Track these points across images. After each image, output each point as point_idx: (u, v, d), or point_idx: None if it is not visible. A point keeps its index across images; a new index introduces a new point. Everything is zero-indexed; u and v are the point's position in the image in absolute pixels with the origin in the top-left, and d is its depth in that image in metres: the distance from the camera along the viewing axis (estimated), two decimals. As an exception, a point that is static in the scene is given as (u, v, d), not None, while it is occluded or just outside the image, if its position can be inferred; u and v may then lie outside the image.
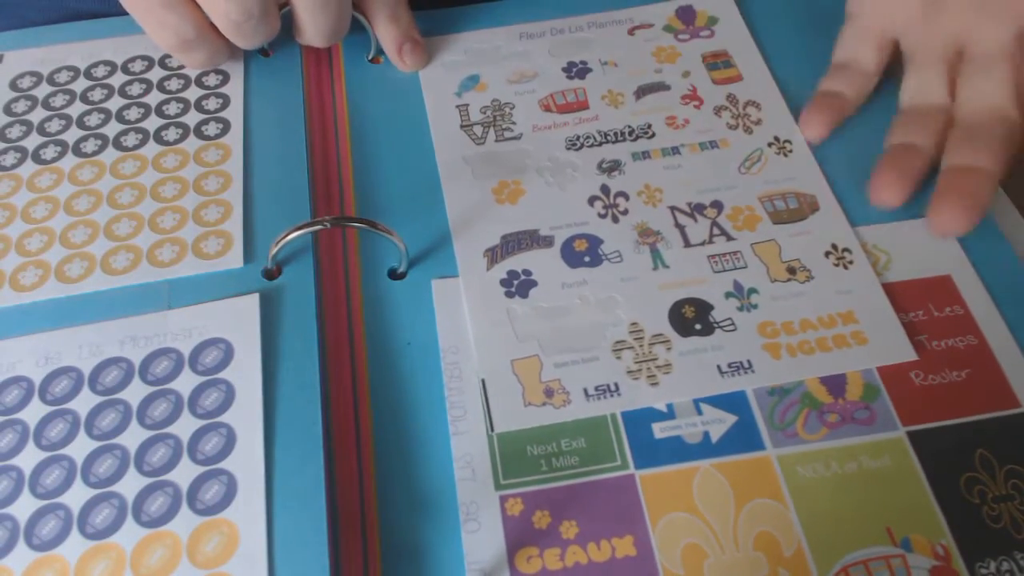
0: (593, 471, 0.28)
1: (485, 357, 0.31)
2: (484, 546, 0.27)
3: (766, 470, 0.28)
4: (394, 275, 0.33)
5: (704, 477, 0.28)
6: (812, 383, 0.30)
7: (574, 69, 0.40)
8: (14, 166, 0.36)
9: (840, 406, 0.30)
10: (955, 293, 0.32)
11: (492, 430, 0.29)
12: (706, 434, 0.29)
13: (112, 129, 0.38)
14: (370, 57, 0.41)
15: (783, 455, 0.29)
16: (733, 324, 0.31)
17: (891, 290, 0.32)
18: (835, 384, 0.30)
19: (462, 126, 0.38)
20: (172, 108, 0.38)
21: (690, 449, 0.29)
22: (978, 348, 0.31)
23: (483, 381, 0.30)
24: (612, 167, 0.36)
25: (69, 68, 0.40)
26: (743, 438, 0.29)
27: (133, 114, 0.38)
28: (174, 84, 0.40)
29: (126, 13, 0.36)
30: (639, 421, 0.29)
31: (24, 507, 0.27)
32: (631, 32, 0.41)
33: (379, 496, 0.28)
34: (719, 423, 0.29)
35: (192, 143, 0.37)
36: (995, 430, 0.29)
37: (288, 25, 0.38)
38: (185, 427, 0.29)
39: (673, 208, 0.35)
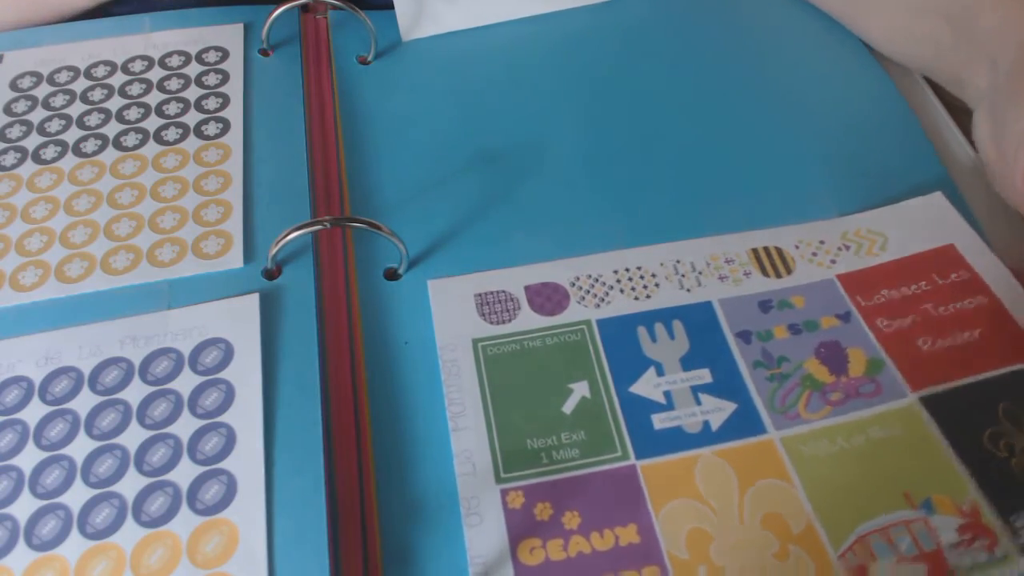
0: (594, 462, 0.28)
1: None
2: (486, 540, 0.26)
3: (769, 453, 0.27)
4: (390, 275, 0.32)
5: (706, 464, 0.27)
6: (812, 364, 0.29)
7: None
8: (14, 166, 0.35)
9: (843, 384, 0.29)
10: (960, 259, 0.31)
11: None
12: (706, 423, 0.28)
13: (112, 129, 0.37)
14: (369, 58, 0.41)
15: (786, 437, 0.28)
16: None
17: (890, 267, 0.31)
18: (835, 362, 0.29)
19: None
20: (172, 108, 0.38)
21: (690, 438, 0.28)
22: (989, 306, 0.30)
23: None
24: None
25: (69, 68, 0.39)
26: (744, 424, 0.28)
27: (133, 114, 0.37)
28: (174, 84, 0.39)
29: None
30: (638, 412, 0.29)
31: (24, 507, 0.26)
32: None
33: (379, 495, 0.27)
34: (719, 411, 0.28)
35: (192, 143, 0.36)
36: (1016, 382, 0.28)
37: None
38: (185, 427, 0.28)
39: None
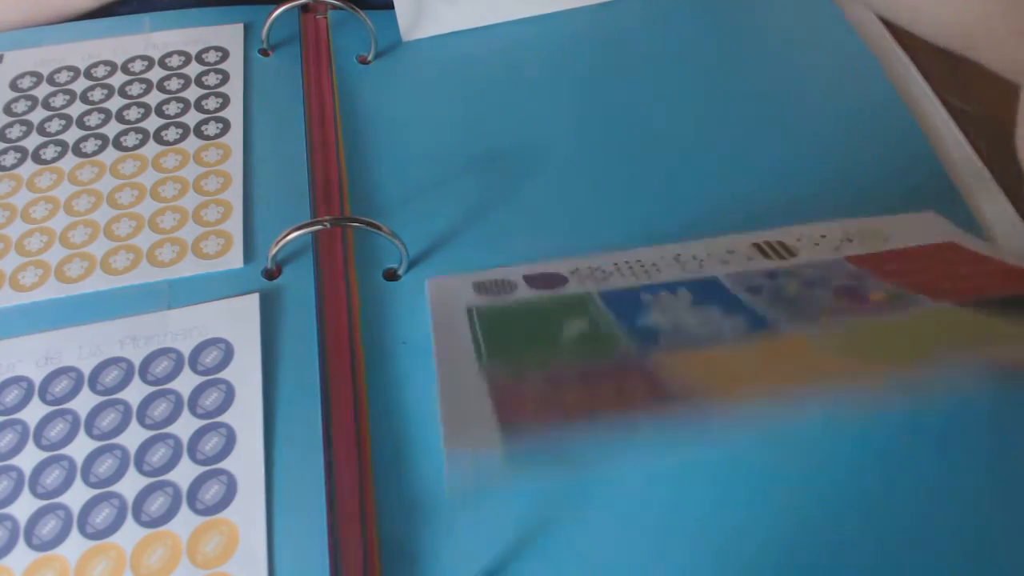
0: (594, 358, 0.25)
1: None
2: (462, 404, 0.23)
3: (796, 344, 0.25)
4: (390, 276, 0.32)
5: (723, 358, 0.25)
6: (830, 300, 0.27)
7: None
8: (14, 166, 0.35)
9: (867, 306, 0.27)
10: (965, 251, 0.30)
11: None
12: (720, 329, 0.26)
13: (112, 129, 0.37)
14: (370, 58, 0.41)
15: (815, 333, 0.25)
16: None
17: (896, 253, 0.31)
18: (856, 297, 0.27)
19: None
20: (172, 108, 0.37)
21: (706, 339, 0.25)
22: (1008, 267, 0.28)
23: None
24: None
25: (69, 68, 0.39)
26: (764, 330, 0.26)
27: (133, 114, 0.37)
28: (174, 84, 0.38)
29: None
30: (645, 336, 0.26)
31: (24, 507, 0.26)
32: None
33: (379, 494, 0.27)
34: (735, 327, 0.26)
35: (192, 143, 0.36)
36: None
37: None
38: (185, 427, 0.28)
39: None
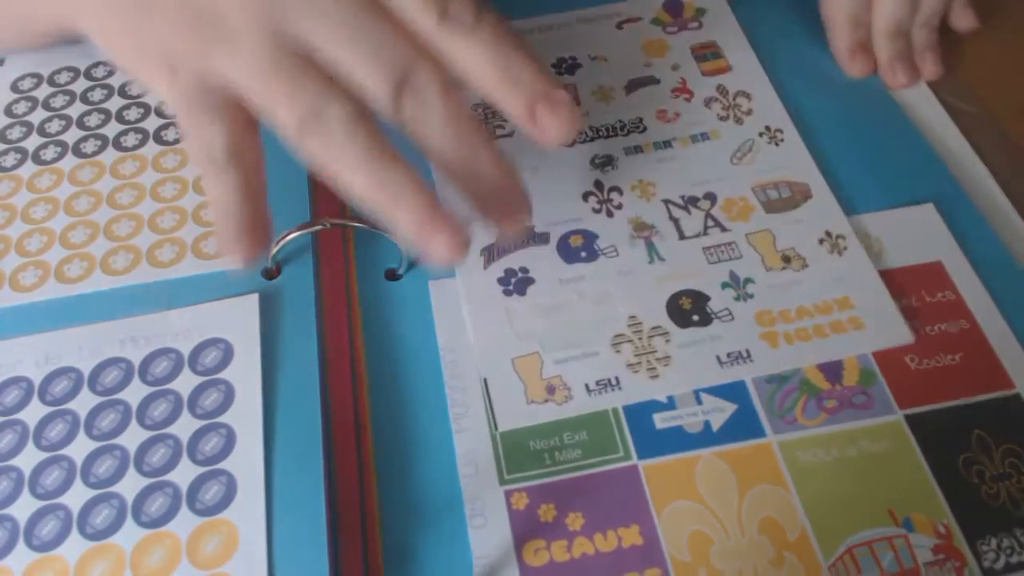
0: (596, 463, 0.27)
1: (486, 356, 0.29)
2: (491, 541, 0.25)
3: (767, 456, 0.27)
4: (391, 275, 0.32)
5: (706, 465, 0.27)
6: (809, 370, 0.29)
7: (563, 65, 0.38)
8: (14, 167, 0.35)
9: (838, 392, 0.28)
10: (946, 279, 0.31)
11: (496, 429, 0.27)
12: (707, 423, 0.28)
13: (112, 129, 0.36)
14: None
15: (784, 441, 0.27)
16: (730, 314, 0.30)
17: (884, 276, 0.31)
18: (832, 370, 0.29)
19: None
20: (172, 108, 0.37)
21: (691, 438, 0.27)
22: (970, 332, 0.30)
23: (485, 381, 0.28)
24: (605, 162, 0.35)
25: (69, 69, 0.38)
26: (743, 426, 0.28)
27: (133, 114, 0.36)
28: (174, 84, 0.38)
29: None
30: (640, 412, 0.28)
31: (24, 507, 0.26)
32: (619, 27, 0.40)
33: (380, 495, 0.26)
34: (719, 412, 0.28)
35: (192, 142, 0.35)
36: (990, 411, 0.28)
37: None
38: (185, 427, 0.27)
39: (667, 201, 0.33)
